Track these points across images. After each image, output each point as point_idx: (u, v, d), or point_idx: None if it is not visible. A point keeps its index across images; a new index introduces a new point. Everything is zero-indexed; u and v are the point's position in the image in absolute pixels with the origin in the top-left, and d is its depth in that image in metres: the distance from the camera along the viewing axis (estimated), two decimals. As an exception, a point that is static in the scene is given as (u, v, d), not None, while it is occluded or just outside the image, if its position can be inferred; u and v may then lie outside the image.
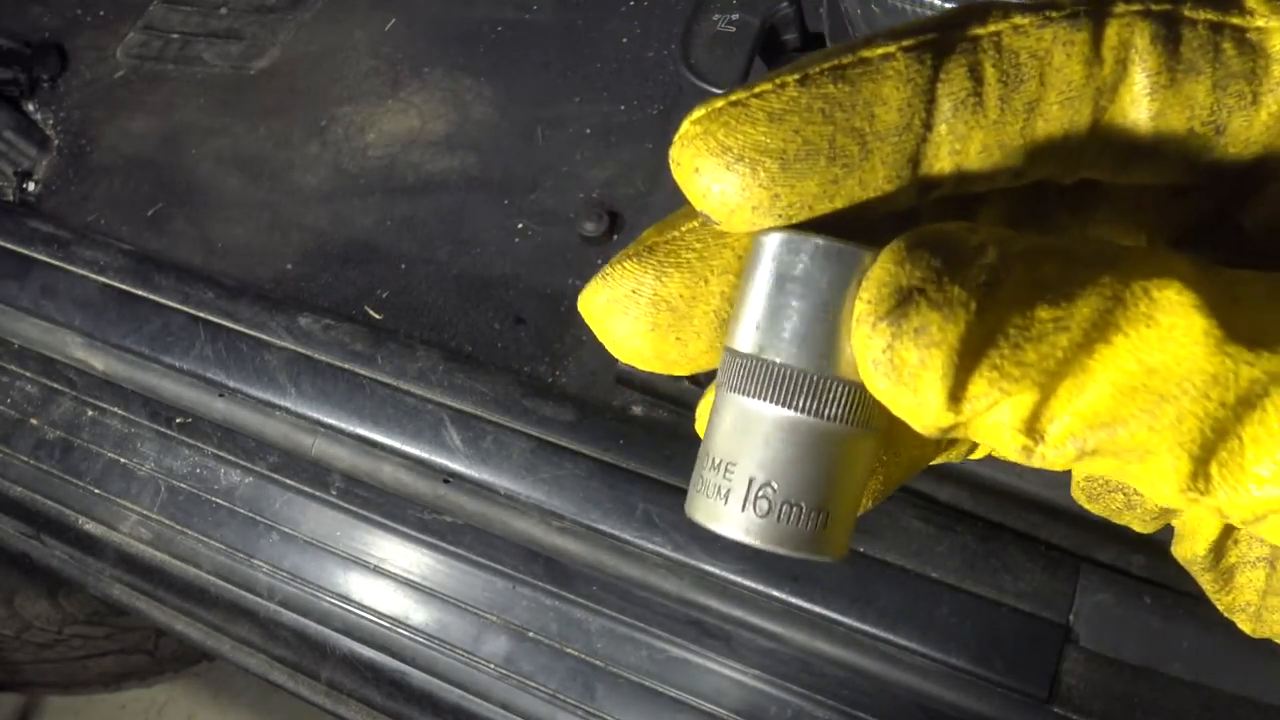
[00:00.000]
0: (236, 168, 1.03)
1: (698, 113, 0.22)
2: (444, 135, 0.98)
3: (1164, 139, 0.22)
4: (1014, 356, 0.19)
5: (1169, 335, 0.19)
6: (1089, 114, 0.22)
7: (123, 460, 0.90)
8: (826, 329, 0.21)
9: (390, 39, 1.07)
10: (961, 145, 0.21)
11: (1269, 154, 0.22)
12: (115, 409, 0.92)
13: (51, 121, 1.12)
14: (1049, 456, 0.20)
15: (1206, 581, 0.26)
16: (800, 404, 0.21)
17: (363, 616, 0.81)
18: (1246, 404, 0.18)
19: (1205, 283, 0.19)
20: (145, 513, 0.88)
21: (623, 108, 0.94)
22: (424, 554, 0.79)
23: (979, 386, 0.19)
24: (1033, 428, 0.19)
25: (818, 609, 0.65)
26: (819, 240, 0.21)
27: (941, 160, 0.21)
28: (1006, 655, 0.62)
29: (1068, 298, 0.19)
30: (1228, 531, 0.25)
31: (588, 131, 0.94)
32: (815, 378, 0.21)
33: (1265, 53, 0.21)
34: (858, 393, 0.21)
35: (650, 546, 0.69)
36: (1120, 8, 0.21)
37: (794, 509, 0.21)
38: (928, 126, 0.21)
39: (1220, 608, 0.26)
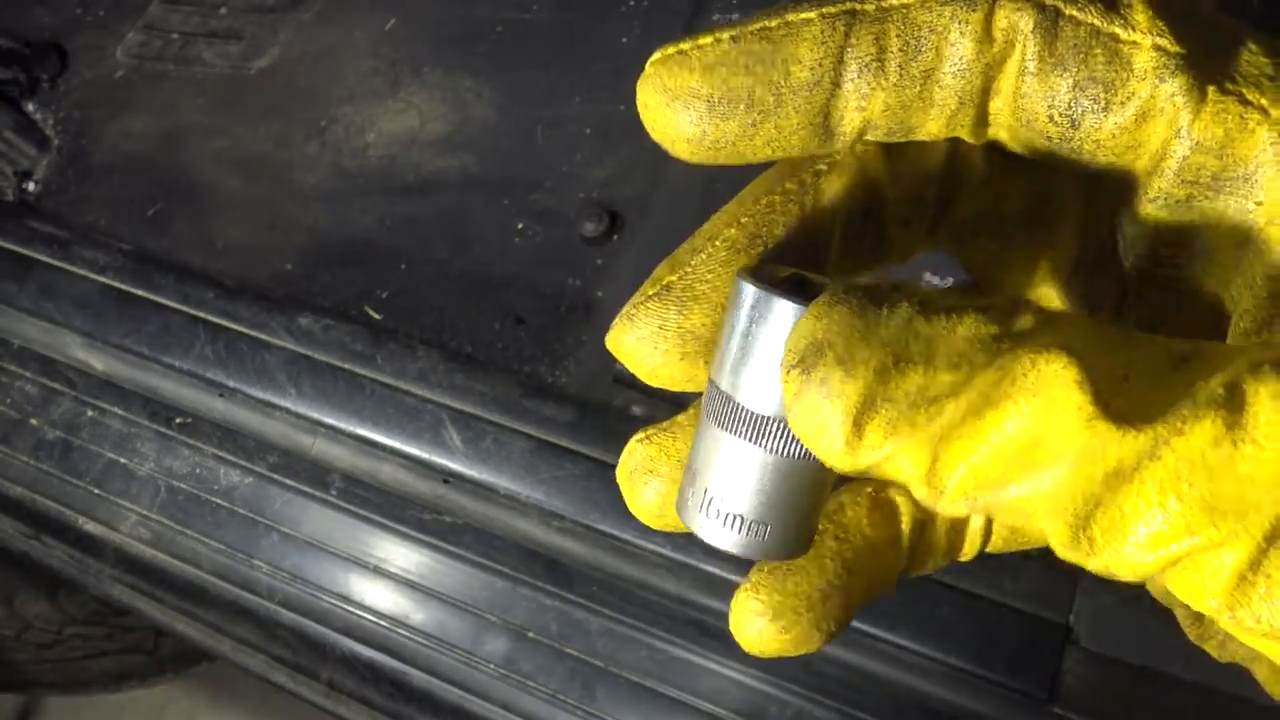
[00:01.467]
0: (236, 168, 1.03)
1: (655, 56, 0.25)
2: (444, 135, 0.98)
3: (1026, 118, 0.24)
4: (908, 417, 0.21)
5: (1050, 408, 0.20)
6: (980, 84, 0.24)
7: (123, 460, 0.90)
8: (771, 373, 0.24)
9: (390, 39, 1.07)
10: (866, 102, 0.24)
11: (1119, 164, 0.24)
12: (115, 409, 0.92)
13: (51, 121, 1.12)
14: (948, 508, 0.21)
15: (1180, 615, 0.29)
16: (747, 435, 0.25)
17: (363, 616, 0.81)
18: (1119, 477, 0.19)
19: (1097, 357, 0.20)
20: (145, 513, 0.88)
21: (623, 108, 0.94)
22: (424, 554, 0.79)
23: (874, 439, 0.21)
24: (931, 480, 0.21)
25: (818, 609, 0.65)
26: (767, 295, 0.24)
27: (850, 113, 0.25)
28: (1007, 655, 0.62)
29: (968, 363, 0.21)
30: None
31: (588, 131, 0.94)
32: (758, 415, 0.24)
33: (1129, 67, 0.23)
34: (789, 429, 0.24)
35: (650, 546, 0.69)
36: None
37: (736, 519, 0.26)
38: (836, 84, 0.24)
39: (1191, 638, 0.29)
